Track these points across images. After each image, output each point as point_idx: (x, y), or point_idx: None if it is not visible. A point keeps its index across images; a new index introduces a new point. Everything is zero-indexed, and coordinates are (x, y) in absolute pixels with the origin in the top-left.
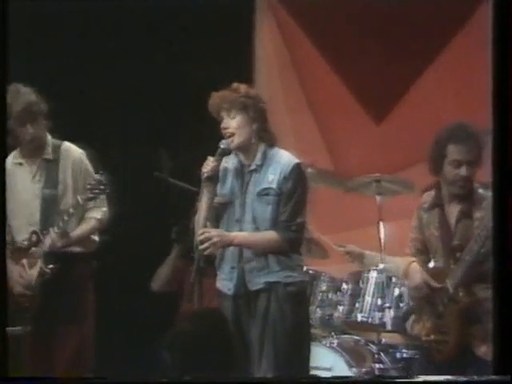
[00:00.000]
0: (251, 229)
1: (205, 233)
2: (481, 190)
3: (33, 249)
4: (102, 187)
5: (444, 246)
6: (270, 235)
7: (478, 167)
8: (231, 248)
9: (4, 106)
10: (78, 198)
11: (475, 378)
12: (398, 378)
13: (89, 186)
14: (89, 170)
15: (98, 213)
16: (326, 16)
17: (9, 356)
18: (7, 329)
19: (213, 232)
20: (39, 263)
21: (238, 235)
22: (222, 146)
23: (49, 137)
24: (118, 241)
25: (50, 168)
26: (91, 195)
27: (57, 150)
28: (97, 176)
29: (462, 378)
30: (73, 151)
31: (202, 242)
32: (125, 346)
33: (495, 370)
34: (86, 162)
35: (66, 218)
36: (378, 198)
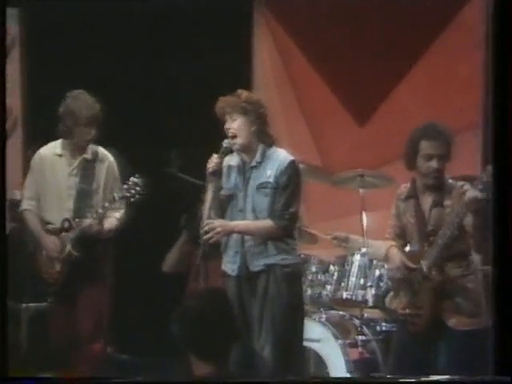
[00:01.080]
0: (252, 218)
1: (209, 224)
2: (450, 181)
3: (63, 233)
4: (137, 188)
5: (419, 231)
6: (267, 223)
7: (447, 161)
8: (235, 235)
9: (4, 106)
10: (115, 194)
11: (475, 378)
12: (398, 378)
13: (126, 187)
14: (117, 175)
15: (118, 213)
16: (316, 31)
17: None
18: (31, 304)
19: (216, 223)
20: (68, 247)
21: (239, 224)
22: (224, 145)
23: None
24: (134, 227)
25: (88, 167)
26: (127, 194)
27: (95, 152)
28: (134, 178)
29: (462, 378)
30: (108, 157)
31: (206, 233)
32: (139, 320)
33: (495, 370)
34: (115, 166)
35: (100, 210)
36: (361, 190)
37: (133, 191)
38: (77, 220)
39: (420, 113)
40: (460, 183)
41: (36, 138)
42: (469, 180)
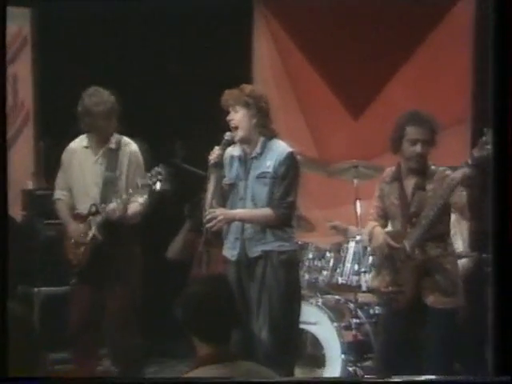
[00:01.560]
0: (251, 206)
1: (211, 213)
2: (433, 167)
3: (90, 217)
4: (159, 177)
5: (402, 212)
6: (266, 211)
7: (431, 147)
8: (235, 222)
9: (4, 106)
10: (138, 181)
11: (475, 378)
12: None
13: (149, 175)
14: (140, 162)
15: (141, 198)
16: (313, 29)
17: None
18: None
19: (217, 211)
20: (93, 230)
21: (239, 212)
22: (226, 138)
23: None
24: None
25: (112, 155)
26: (150, 182)
27: (118, 141)
28: (157, 168)
29: (462, 378)
30: (131, 145)
31: (209, 221)
32: (146, 304)
33: (495, 370)
34: (140, 155)
35: (124, 196)
36: (355, 181)
37: (155, 179)
38: (103, 205)
39: (411, 107)
40: (442, 168)
41: (47, 130)
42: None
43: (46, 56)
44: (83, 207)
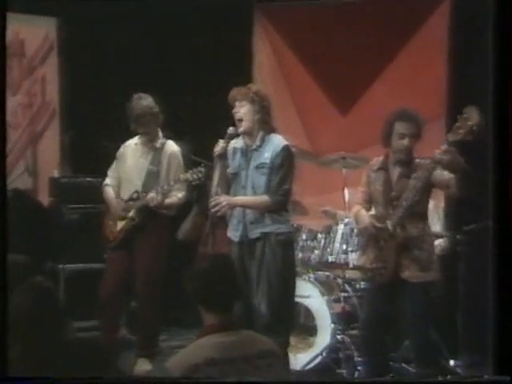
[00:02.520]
0: (251, 193)
1: (216, 199)
2: (417, 160)
3: (130, 202)
4: (200, 175)
5: (385, 197)
6: (264, 198)
7: (417, 140)
8: (237, 208)
9: (4, 106)
10: (181, 176)
11: (475, 378)
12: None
13: (191, 171)
14: (180, 161)
15: (180, 194)
16: (306, 37)
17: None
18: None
19: (221, 198)
20: (132, 212)
21: (241, 198)
22: (229, 131)
23: (160, 132)
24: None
25: (156, 153)
26: (190, 178)
27: (163, 142)
28: (200, 168)
29: (462, 378)
30: (173, 146)
31: (214, 206)
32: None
33: (495, 370)
34: (180, 155)
35: (165, 187)
36: (343, 170)
37: (195, 176)
38: (144, 193)
39: (393, 105)
40: (425, 159)
41: (71, 125)
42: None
43: (70, 59)
44: (126, 194)
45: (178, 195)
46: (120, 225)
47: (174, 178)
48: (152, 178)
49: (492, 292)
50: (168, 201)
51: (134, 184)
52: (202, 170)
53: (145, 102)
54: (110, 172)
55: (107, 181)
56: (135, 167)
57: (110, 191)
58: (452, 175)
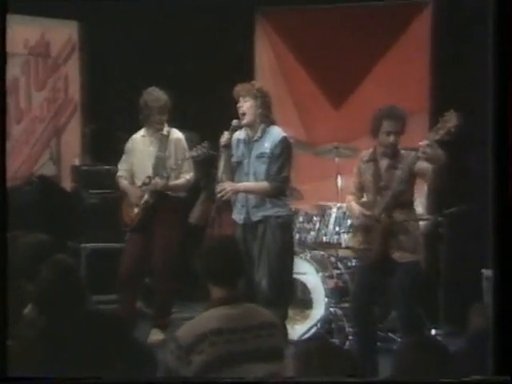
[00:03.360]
0: (253, 180)
1: (221, 186)
2: (403, 151)
3: (144, 187)
4: (204, 150)
5: (374, 186)
6: (264, 184)
7: (402, 135)
8: (241, 193)
9: (4, 107)
10: (186, 153)
11: (475, 378)
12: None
13: (195, 148)
14: (185, 146)
15: (188, 175)
16: (303, 38)
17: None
18: (88, 245)
19: (226, 184)
20: (146, 196)
21: (243, 185)
22: (233, 124)
23: (165, 122)
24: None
25: (163, 140)
26: (195, 154)
27: (168, 131)
28: (204, 144)
29: (462, 378)
30: (177, 133)
31: (219, 192)
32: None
33: (495, 370)
34: (184, 141)
35: (174, 166)
36: (336, 159)
37: (200, 152)
38: (155, 178)
39: (381, 100)
40: (407, 152)
41: (90, 119)
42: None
43: (90, 59)
44: (140, 180)
45: (186, 176)
46: (136, 209)
47: (180, 159)
48: (161, 163)
49: (492, 292)
50: (177, 182)
51: (146, 171)
52: (206, 145)
53: (155, 95)
54: (120, 165)
55: (119, 173)
56: (146, 155)
57: (123, 181)
58: (431, 166)
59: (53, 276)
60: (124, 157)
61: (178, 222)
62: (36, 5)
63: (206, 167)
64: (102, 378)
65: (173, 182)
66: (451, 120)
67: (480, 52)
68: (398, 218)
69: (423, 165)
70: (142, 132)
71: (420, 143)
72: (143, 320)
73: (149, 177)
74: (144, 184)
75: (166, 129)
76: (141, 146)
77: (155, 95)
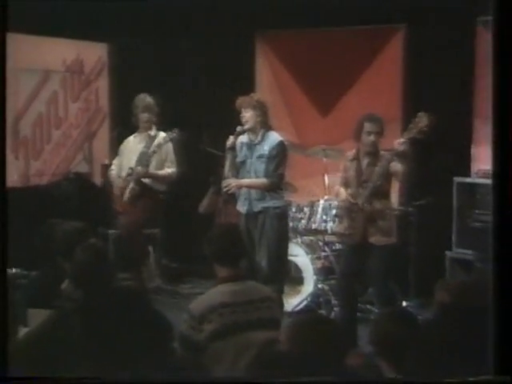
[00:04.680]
0: (254, 177)
1: (227, 182)
2: (381, 152)
3: (128, 177)
4: (174, 135)
5: (357, 180)
6: (264, 180)
7: (380, 137)
8: (244, 188)
9: (4, 107)
10: (162, 156)
11: (475, 378)
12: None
13: (170, 132)
14: (169, 146)
15: (170, 169)
16: (296, 59)
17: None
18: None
19: (231, 181)
20: (130, 185)
21: (246, 181)
22: (237, 130)
23: (153, 126)
24: (180, 184)
25: (150, 139)
26: (168, 138)
27: (156, 132)
28: (174, 130)
29: (462, 378)
30: (163, 134)
31: (226, 187)
32: (185, 242)
33: (495, 370)
34: (170, 142)
35: (145, 162)
36: (324, 159)
37: (171, 136)
38: (137, 168)
39: (361, 109)
40: (387, 152)
41: (117, 125)
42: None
43: (117, 75)
44: (125, 172)
45: (168, 170)
46: (125, 197)
47: (163, 158)
48: (144, 157)
49: (492, 292)
50: (158, 172)
51: (130, 164)
52: (176, 131)
53: (141, 98)
54: (113, 162)
55: (111, 167)
56: (133, 151)
57: (113, 175)
58: (403, 167)
59: (86, 257)
60: (117, 156)
61: (159, 205)
62: (72, 29)
63: (215, 166)
64: (102, 378)
65: (153, 171)
66: (422, 121)
67: (445, 69)
68: (377, 207)
69: (397, 166)
70: (135, 134)
71: (395, 141)
72: (161, 294)
73: (131, 168)
74: (128, 175)
75: (154, 131)
76: (131, 144)
77: (141, 98)
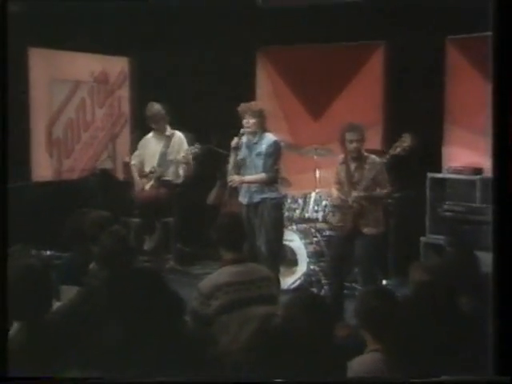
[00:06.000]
0: (254, 173)
1: (231, 177)
2: (366, 154)
3: (150, 174)
4: (196, 150)
5: (347, 182)
6: (262, 175)
7: (363, 143)
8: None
9: (6, 106)
10: (181, 152)
11: (475, 378)
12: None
13: (187, 149)
14: (185, 144)
15: (181, 170)
16: (292, 70)
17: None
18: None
19: (234, 177)
20: (151, 182)
21: (247, 177)
22: (241, 132)
23: (168, 126)
24: (192, 179)
25: (167, 140)
26: (189, 153)
27: (172, 132)
28: (193, 147)
29: (462, 378)
30: (179, 134)
31: (230, 182)
32: (196, 229)
33: (495, 370)
34: (184, 140)
35: (169, 162)
36: (315, 157)
37: (193, 151)
38: (158, 168)
39: (347, 115)
40: (372, 156)
41: (136, 128)
42: (375, 153)
43: (137, 85)
44: (148, 169)
45: (180, 170)
46: (145, 191)
47: (180, 156)
48: (164, 157)
49: (492, 292)
50: (178, 172)
51: (152, 163)
52: (198, 146)
53: (156, 108)
54: (133, 156)
55: (132, 162)
56: (153, 151)
57: (134, 170)
58: (383, 180)
59: (110, 241)
60: (137, 151)
61: (177, 199)
62: (99, 46)
63: (221, 164)
64: (102, 378)
65: (171, 171)
66: (406, 141)
67: (420, 80)
68: (365, 204)
69: (382, 178)
70: (151, 134)
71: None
72: (176, 275)
73: (153, 167)
74: (150, 172)
75: (168, 131)
76: (150, 144)
77: (150, 106)
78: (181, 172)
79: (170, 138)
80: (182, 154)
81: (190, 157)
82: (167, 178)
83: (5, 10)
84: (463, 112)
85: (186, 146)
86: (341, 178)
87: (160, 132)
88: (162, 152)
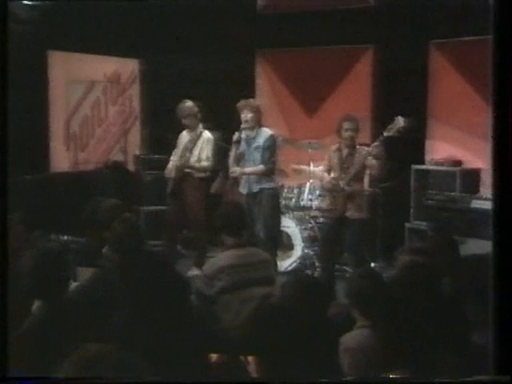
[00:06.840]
0: (252, 165)
1: (232, 169)
2: (358, 146)
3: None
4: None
5: (340, 167)
6: (260, 167)
7: (357, 132)
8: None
9: (5, 107)
10: (201, 154)
11: (475, 378)
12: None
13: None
14: (211, 144)
15: (206, 163)
16: (288, 73)
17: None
18: (145, 208)
19: (235, 168)
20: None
21: (247, 169)
22: (241, 127)
23: (200, 124)
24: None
25: (195, 137)
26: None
27: (202, 131)
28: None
29: (462, 378)
30: (208, 134)
31: (231, 173)
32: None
33: (495, 370)
34: (212, 140)
35: (187, 156)
36: (309, 150)
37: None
38: (181, 160)
39: (339, 111)
40: (362, 147)
41: (147, 124)
42: (365, 145)
43: (146, 84)
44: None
45: (203, 164)
46: (172, 180)
47: (204, 154)
48: (187, 151)
49: (492, 292)
50: (195, 164)
51: (178, 156)
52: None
53: (188, 105)
54: (174, 152)
55: (172, 157)
56: (182, 145)
57: (170, 162)
58: (375, 162)
59: (122, 227)
60: (176, 147)
61: (200, 191)
62: (111, 48)
63: (223, 157)
64: (102, 378)
65: (191, 164)
66: (399, 123)
67: (405, 80)
68: (355, 188)
69: (372, 161)
70: (185, 131)
71: (372, 144)
72: (183, 259)
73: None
74: (172, 163)
75: (199, 129)
76: (182, 140)
77: (182, 105)
78: (201, 166)
79: (199, 135)
80: (203, 141)
81: (209, 144)
82: (188, 171)
83: (5, 10)
84: (444, 109)
85: (210, 146)
86: (333, 163)
87: (192, 129)
88: (186, 146)
